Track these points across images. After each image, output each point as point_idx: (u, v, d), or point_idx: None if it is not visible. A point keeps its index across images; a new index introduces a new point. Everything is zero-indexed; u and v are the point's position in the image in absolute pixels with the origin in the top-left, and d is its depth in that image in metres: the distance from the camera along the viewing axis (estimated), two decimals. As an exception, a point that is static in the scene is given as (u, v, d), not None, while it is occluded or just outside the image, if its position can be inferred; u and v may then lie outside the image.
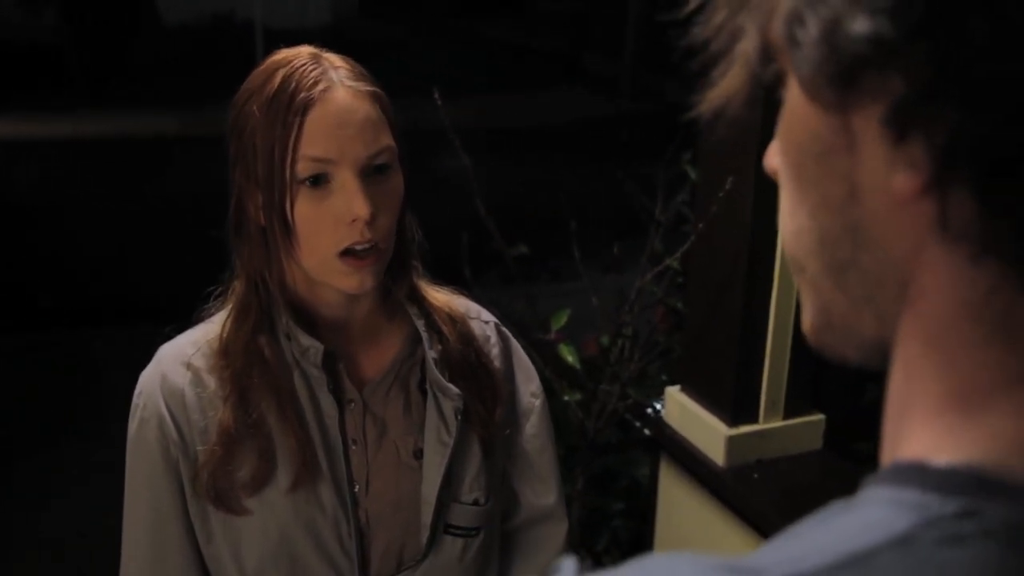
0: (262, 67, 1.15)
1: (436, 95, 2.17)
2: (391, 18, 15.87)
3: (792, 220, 0.48)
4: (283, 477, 1.16)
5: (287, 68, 1.12)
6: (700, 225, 1.91)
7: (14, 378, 4.23)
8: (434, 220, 2.72)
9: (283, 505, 1.16)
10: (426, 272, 1.30)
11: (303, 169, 1.10)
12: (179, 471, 1.18)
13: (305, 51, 1.16)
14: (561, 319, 2.32)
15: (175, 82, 11.09)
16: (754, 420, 1.92)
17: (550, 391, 2.58)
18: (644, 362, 2.41)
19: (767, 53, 0.44)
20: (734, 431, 1.90)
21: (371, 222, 1.10)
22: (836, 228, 0.45)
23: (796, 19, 0.41)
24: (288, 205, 1.11)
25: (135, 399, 1.20)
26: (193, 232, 2.14)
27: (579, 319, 2.69)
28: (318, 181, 1.10)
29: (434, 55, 12.65)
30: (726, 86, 0.46)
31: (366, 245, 1.11)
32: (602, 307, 2.41)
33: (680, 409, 2.01)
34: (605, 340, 2.45)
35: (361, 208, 1.09)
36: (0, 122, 9.66)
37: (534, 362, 2.46)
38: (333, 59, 1.15)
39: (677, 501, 2.09)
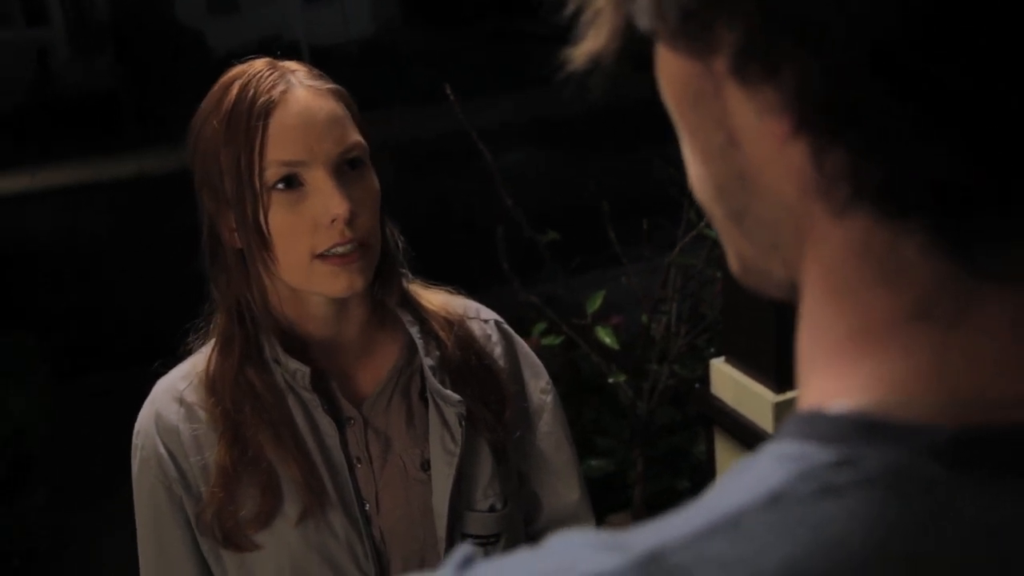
0: (217, 85, 1.12)
1: (448, 91, 2.16)
2: (433, 24, 15.95)
3: (692, 168, 0.47)
4: (291, 508, 1.13)
5: (243, 79, 1.09)
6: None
7: (94, 418, 4.36)
8: (492, 216, 2.72)
9: (294, 536, 1.13)
10: (416, 275, 1.26)
11: (273, 175, 1.06)
12: (184, 509, 1.16)
13: (259, 61, 1.13)
14: (596, 302, 2.29)
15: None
16: (801, 384, 1.88)
17: (600, 374, 2.57)
18: (691, 337, 2.37)
19: (621, 2, 0.42)
20: (781, 397, 1.85)
21: (351, 221, 1.06)
22: (725, 176, 0.43)
23: None
24: (262, 216, 1.07)
25: (134, 439, 1.18)
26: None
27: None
28: (290, 183, 1.07)
29: (478, 57, 12.68)
30: (593, 40, 0.44)
31: (348, 246, 1.07)
32: (640, 285, 2.38)
33: (726, 380, 1.97)
34: (644, 318, 2.42)
35: (339, 206, 1.05)
36: (66, 170, 9.97)
37: (582, 349, 2.46)
38: (289, 64, 1.13)
39: (734, 474, 2.05)
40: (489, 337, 1.27)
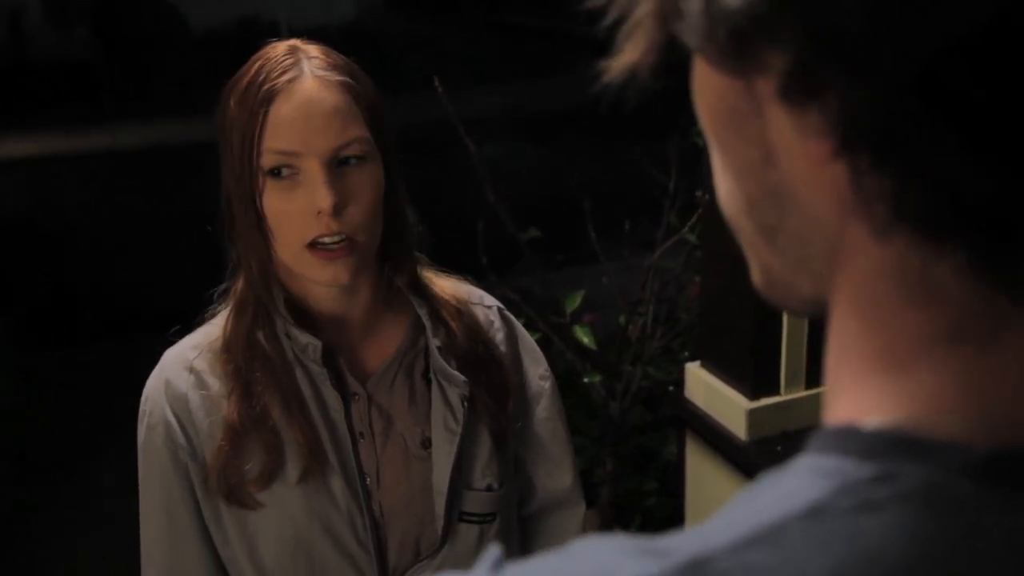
0: (248, 61, 1.16)
1: (437, 83, 2.16)
2: (417, 11, 15.87)
3: (722, 183, 0.47)
4: (292, 470, 1.16)
5: (263, 60, 1.13)
6: (707, 196, 1.88)
7: (61, 392, 4.31)
8: (471, 208, 2.72)
9: (295, 501, 1.16)
10: (432, 261, 1.29)
11: (267, 161, 1.10)
12: (189, 475, 1.18)
13: (285, 44, 1.16)
14: (575, 301, 2.30)
15: (206, 87, 11.19)
16: (775, 392, 1.89)
17: (574, 372, 2.58)
18: (666, 340, 2.38)
19: (665, 18, 0.42)
20: (755, 404, 1.87)
21: (337, 214, 1.09)
22: (758, 192, 0.44)
23: None
24: (257, 198, 1.11)
25: (141, 406, 1.21)
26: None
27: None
28: (284, 172, 1.11)
29: (461, 46, 12.62)
30: (631, 52, 0.44)
31: (335, 238, 1.11)
32: (618, 285, 2.39)
33: (700, 385, 1.99)
34: (622, 319, 2.43)
35: (324, 200, 1.08)
36: (36, 140, 9.83)
37: (556, 346, 2.46)
38: (310, 50, 1.15)
39: (703, 477, 2.07)
40: (492, 323, 1.31)
